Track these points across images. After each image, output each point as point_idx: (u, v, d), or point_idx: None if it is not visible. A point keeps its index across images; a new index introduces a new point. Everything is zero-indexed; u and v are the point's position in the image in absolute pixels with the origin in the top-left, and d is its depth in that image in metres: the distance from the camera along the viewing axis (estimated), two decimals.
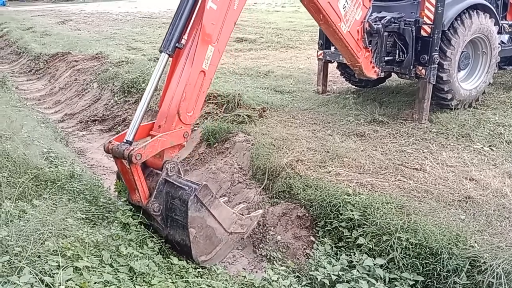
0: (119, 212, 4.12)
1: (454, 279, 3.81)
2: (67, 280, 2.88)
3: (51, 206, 3.91)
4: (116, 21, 24.59)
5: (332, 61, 8.39)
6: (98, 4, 37.32)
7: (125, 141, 4.01)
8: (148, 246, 3.86)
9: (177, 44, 4.16)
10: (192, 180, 4.15)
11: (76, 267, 3.10)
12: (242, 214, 4.44)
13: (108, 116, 9.18)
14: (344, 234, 4.53)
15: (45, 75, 13.33)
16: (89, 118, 9.33)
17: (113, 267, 3.36)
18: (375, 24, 6.65)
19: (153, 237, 4.08)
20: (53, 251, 3.16)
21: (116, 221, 4.02)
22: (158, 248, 3.98)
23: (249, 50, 14.35)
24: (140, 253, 3.65)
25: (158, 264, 3.63)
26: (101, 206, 4.32)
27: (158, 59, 11.93)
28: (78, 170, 4.99)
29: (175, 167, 4.05)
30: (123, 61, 11.40)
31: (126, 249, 3.59)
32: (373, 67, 6.87)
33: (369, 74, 6.90)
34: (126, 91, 9.59)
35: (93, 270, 3.18)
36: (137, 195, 4.04)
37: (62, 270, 2.94)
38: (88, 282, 2.97)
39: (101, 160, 7.38)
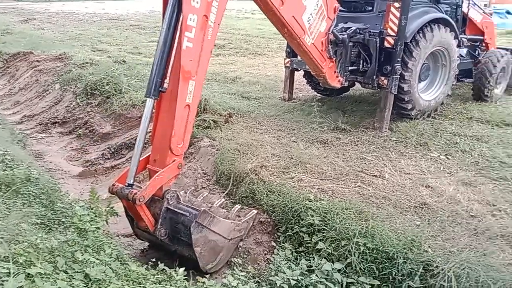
0: (76, 217, 4.01)
1: (408, 283, 3.93)
2: None
3: (4, 210, 3.76)
4: (82, 21, 24.04)
5: (299, 69, 8.52)
6: (63, 4, 36.36)
7: (127, 184, 4.41)
8: (105, 252, 3.76)
9: (160, 89, 4.43)
10: (191, 206, 4.61)
11: (29, 273, 3.00)
12: (239, 216, 4.99)
13: (69, 118, 8.95)
14: (305, 239, 4.59)
15: (4, 74, 12.86)
16: (49, 120, 9.07)
17: (67, 273, 3.26)
18: (340, 35, 6.79)
19: (110, 243, 4.00)
20: (4, 257, 3.04)
21: (73, 227, 3.92)
22: (116, 254, 3.90)
23: (217, 55, 14.36)
24: (97, 259, 3.55)
25: (115, 270, 3.54)
26: (58, 211, 4.20)
27: (124, 61, 11.78)
28: (35, 174, 4.83)
29: (174, 195, 4.57)
30: (87, 63, 11.15)
31: (82, 255, 3.48)
32: (337, 77, 7.00)
33: (333, 84, 7.02)
34: (89, 93, 9.38)
35: (47, 277, 3.08)
36: (144, 224, 4.51)
37: (13, 277, 2.83)
38: None
39: (60, 164, 7.19)
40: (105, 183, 6.66)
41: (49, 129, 8.74)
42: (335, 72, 6.91)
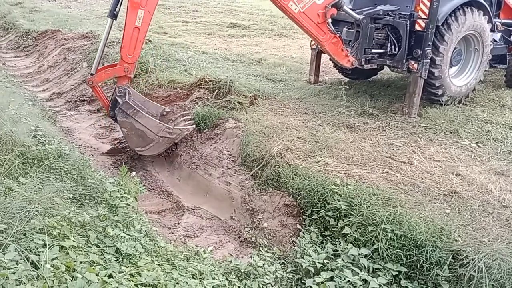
0: (106, 193, 4.09)
1: (436, 271, 3.88)
2: (53, 259, 2.86)
3: (38, 184, 3.86)
4: (107, 0, 24.12)
5: None
6: None
7: (90, 74, 6.21)
8: (135, 228, 3.84)
9: (114, 12, 5.98)
10: (125, 97, 6.06)
11: (62, 246, 3.08)
12: (184, 122, 6.62)
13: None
14: (331, 223, 4.57)
15: (33, 52, 13.04)
16: (77, 98, 9.18)
17: (99, 247, 3.35)
18: (358, 14, 6.67)
19: (140, 219, 4.07)
20: (39, 229, 3.13)
21: (104, 202, 4.00)
22: (145, 231, 3.97)
23: (242, 36, 14.23)
24: (127, 234, 3.63)
25: (144, 246, 3.62)
26: (89, 186, 4.29)
27: (150, 41, 11.80)
28: (66, 150, 4.93)
29: (122, 90, 6.12)
30: (113, 42, 11.18)
31: (113, 230, 3.57)
32: (347, 56, 6.84)
33: (342, 62, 6.90)
34: None
35: (79, 250, 3.17)
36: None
37: (48, 248, 2.91)
38: (74, 261, 2.96)
39: (89, 141, 7.30)
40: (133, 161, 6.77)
41: (78, 106, 8.87)
42: (342, 50, 6.76)
